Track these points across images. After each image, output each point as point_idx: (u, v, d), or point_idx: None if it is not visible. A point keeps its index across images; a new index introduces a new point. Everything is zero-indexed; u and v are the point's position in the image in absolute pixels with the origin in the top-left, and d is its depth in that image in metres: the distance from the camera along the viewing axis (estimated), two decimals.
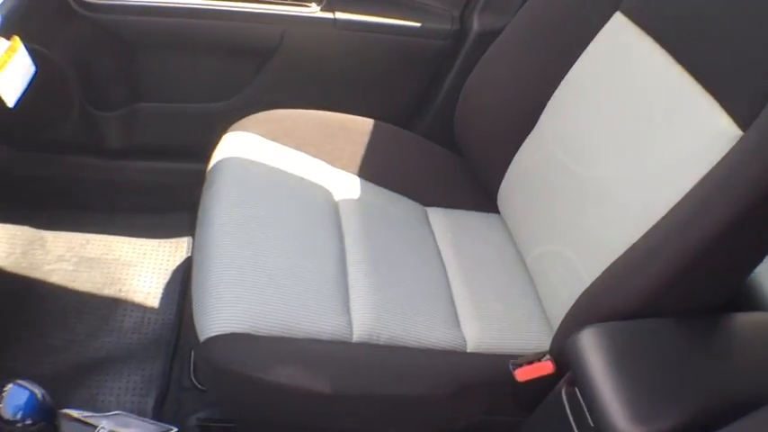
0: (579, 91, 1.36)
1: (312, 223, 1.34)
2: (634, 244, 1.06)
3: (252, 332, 1.10)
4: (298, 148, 1.51)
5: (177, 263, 1.92)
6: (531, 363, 1.09)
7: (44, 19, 1.60)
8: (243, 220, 1.27)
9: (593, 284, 1.10)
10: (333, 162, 1.51)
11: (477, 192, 1.56)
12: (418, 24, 1.73)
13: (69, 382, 1.63)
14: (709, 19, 1.12)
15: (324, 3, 1.75)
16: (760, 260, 1.05)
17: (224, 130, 1.55)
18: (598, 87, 1.32)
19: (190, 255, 1.87)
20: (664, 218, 1.03)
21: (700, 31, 1.12)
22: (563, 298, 1.18)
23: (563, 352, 1.00)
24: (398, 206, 1.52)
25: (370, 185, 1.50)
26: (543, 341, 1.22)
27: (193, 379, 1.60)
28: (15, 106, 1.29)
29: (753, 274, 1.21)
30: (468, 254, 1.41)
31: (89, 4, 1.62)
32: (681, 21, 1.16)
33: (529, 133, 1.41)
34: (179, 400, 1.59)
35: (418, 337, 1.20)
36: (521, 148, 1.43)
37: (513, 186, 1.46)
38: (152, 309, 1.80)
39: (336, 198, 1.45)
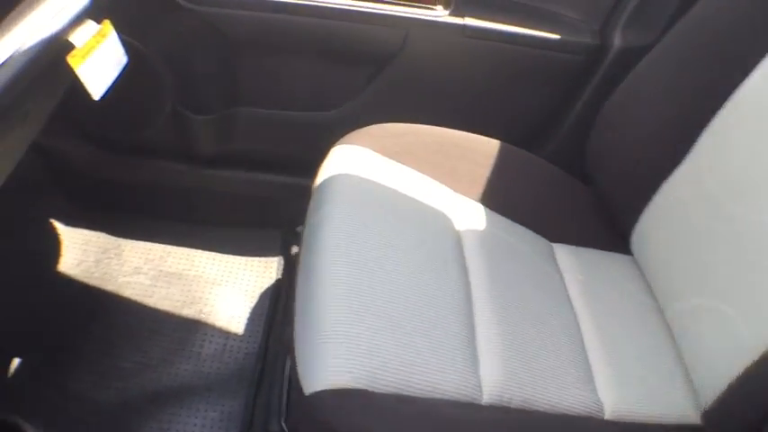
0: (750, 114, 1.10)
1: (434, 258, 1.18)
2: None
3: (367, 388, 0.95)
4: (415, 167, 1.36)
5: (265, 285, 1.77)
6: None
7: (139, 7, 1.47)
8: (357, 251, 1.12)
9: None
10: (453, 186, 1.36)
11: (607, 228, 1.40)
12: (555, 37, 1.57)
13: (137, 413, 1.47)
14: None
15: (452, 6, 1.56)
16: None
17: (329, 143, 1.39)
18: None
19: (280, 277, 1.78)
20: None
21: None
22: (718, 363, 1.03)
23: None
24: (524, 241, 1.35)
25: (494, 215, 1.35)
26: (687, 409, 1.08)
27: (284, 425, 1.39)
28: (102, 98, 1.12)
29: None
30: (599, 300, 1.25)
31: None
32: None
33: (678, 165, 1.21)
34: None
35: (551, 400, 1.04)
36: (666, 182, 1.23)
37: (653, 225, 1.27)
38: (235, 335, 1.64)
39: (458, 228, 1.29)
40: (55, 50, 1.05)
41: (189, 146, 1.74)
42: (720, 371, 1.01)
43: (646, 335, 1.20)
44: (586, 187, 1.47)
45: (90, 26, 1.13)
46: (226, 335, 1.62)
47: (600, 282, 1.30)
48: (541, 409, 1.03)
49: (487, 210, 1.35)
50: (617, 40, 1.53)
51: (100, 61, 1.14)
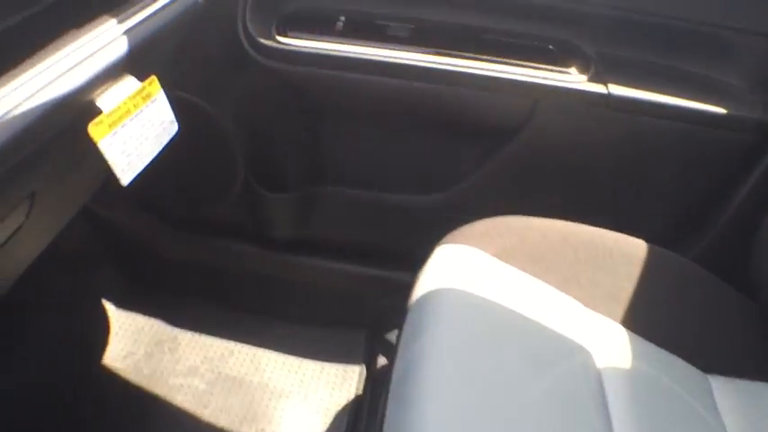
0: None
1: (568, 403, 0.97)
2: None
3: None
4: (541, 276, 1.13)
5: (343, 400, 1.49)
6: None
7: (207, 60, 1.26)
8: (469, 391, 0.92)
9: None
10: (586, 300, 1.13)
11: None
12: (717, 110, 1.28)
13: None
14: None
15: (592, 70, 1.27)
16: None
17: (430, 233, 1.16)
18: None
19: (360, 392, 1.52)
20: None
21: None
22: None
23: None
24: (674, 374, 1.10)
25: (637, 340, 1.11)
26: None
27: None
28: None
29: None
30: None
31: (267, 47, 1.22)
32: None
33: None
34: None
35: None
36: None
37: None
38: None
39: (599, 363, 1.07)
40: (71, 115, 0.79)
41: (262, 227, 1.54)
42: None
43: None
44: (751, 302, 1.22)
45: (128, 83, 0.87)
46: None
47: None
48: None
49: (630, 333, 1.12)
50: None
51: (137, 132, 0.87)
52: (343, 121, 1.37)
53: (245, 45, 1.22)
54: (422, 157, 1.40)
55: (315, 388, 1.50)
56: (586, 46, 1.28)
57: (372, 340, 1.53)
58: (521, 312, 1.06)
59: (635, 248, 1.20)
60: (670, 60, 1.30)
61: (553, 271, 1.13)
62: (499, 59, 1.21)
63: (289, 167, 1.45)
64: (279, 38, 1.22)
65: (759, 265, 1.17)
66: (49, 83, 0.76)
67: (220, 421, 1.42)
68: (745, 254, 1.19)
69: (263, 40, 1.21)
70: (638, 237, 1.21)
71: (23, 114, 0.72)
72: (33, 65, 0.75)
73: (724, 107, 1.28)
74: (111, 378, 1.49)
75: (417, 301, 1.08)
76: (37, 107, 0.74)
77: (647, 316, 1.13)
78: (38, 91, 0.74)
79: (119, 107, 0.85)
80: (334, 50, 1.21)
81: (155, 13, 0.92)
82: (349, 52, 1.20)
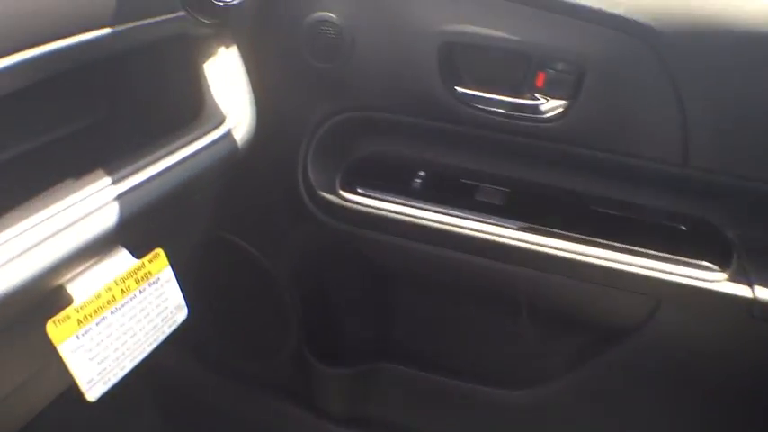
0: None
1: None
2: None
3: None
4: None
5: None
6: None
7: (266, 211, 1.11)
8: None
9: None
10: None
11: None
12: None
13: None
14: None
15: (734, 264, 0.96)
16: None
17: None
18: None
19: None
20: None
21: None
22: None
23: None
24: None
25: None
26: None
27: None
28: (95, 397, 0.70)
29: None
30: None
31: (328, 203, 1.02)
32: None
33: None
34: None
35: None
36: None
37: None
38: None
39: None
40: (26, 306, 0.61)
41: (315, 395, 1.33)
42: None
43: None
44: None
45: (118, 260, 0.69)
46: None
47: None
48: None
49: None
50: None
51: (120, 327, 0.68)
52: (414, 294, 1.16)
53: (305, 197, 1.03)
54: (501, 345, 1.17)
55: None
56: (727, 227, 0.98)
57: None
58: None
59: None
60: None
61: None
62: (614, 243, 0.94)
63: (346, 338, 1.26)
64: (343, 193, 1.01)
65: None
66: (2, 264, 0.58)
67: None
68: None
69: (324, 194, 1.01)
70: None
71: None
72: None
73: None
74: None
75: None
76: None
77: None
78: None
79: (97, 295, 0.66)
80: (409, 215, 0.98)
81: (170, 168, 0.74)
82: (427, 219, 0.98)
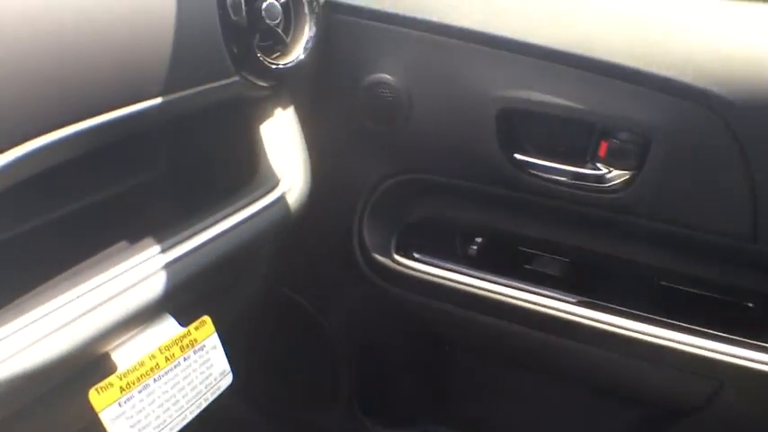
0: None
1: None
2: None
3: None
4: None
5: None
6: None
7: (321, 266, 1.09)
8: None
9: None
10: None
11: None
12: None
13: None
14: None
15: None
16: None
17: None
18: None
19: None
20: None
21: None
22: None
23: None
24: None
25: None
26: None
27: None
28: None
29: None
30: None
31: (383, 267, 1.00)
32: None
33: None
34: None
35: None
36: None
37: None
38: None
39: None
40: (72, 373, 0.61)
41: None
42: None
43: None
44: None
45: (164, 328, 0.68)
46: None
47: None
48: None
49: None
50: None
51: (163, 395, 0.67)
52: (467, 360, 1.12)
53: (359, 259, 1.01)
54: (554, 418, 1.11)
55: None
56: None
57: None
58: None
59: None
60: None
61: None
62: (675, 322, 0.87)
63: (397, 398, 1.22)
64: (397, 257, 0.99)
65: None
66: (49, 333, 0.59)
67: None
68: None
69: (379, 257, 0.99)
70: None
71: (4, 378, 0.55)
72: (31, 307, 0.59)
73: None
74: None
75: None
76: (26, 366, 0.57)
77: None
78: (32, 344, 0.58)
79: (141, 362, 0.66)
80: (464, 284, 0.95)
81: (221, 235, 0.74)
82: (482, 289, 0.94)
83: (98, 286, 0.62)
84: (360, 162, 0.98)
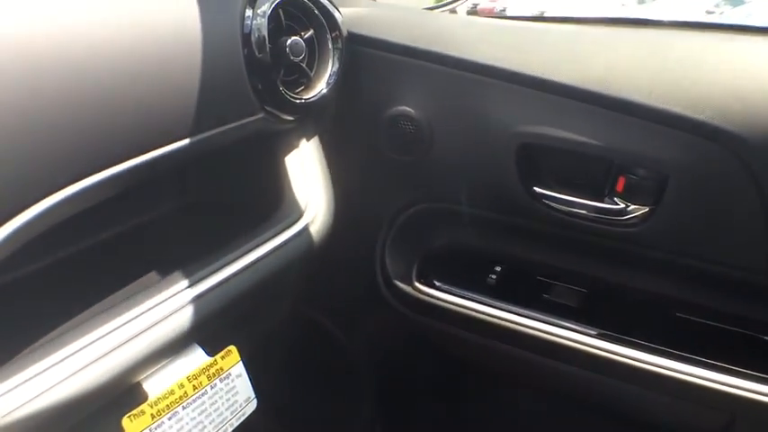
0: None
1: None
2: None
3: None
4: None
5: None
6: None
7: (339, 286, 1.11)
8: None
9: None
10: None
11: None
12: None
13: None
14: None
15: None
16: None
17: None
18: None
19: None
20: None
21: None
22: None
23: None
24: None
25: None
26: None
27: None
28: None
29: None
30: None
31: (404, 294, 1.01)
32: None
33: None
34: None
35: None
36: None
37: None
38: None
39: None
40: (105, 402, 0.64)
41: None
42: None
43: None
44: None
45: (192, 358, 0.71)
46: None
47: None
48: None
49: None
50: None
51: (190, 421, 0.70)
52: (485, 387, 1.13)
53: (381, 286, 1.03)
54: None
55: None
56: None
57: None
58: None
59: None
60: None
61: None
62: (691, 354, 0.88)
63: (417, 421, 1.22)
64: (418, 284, 1.01)
65: None
66: (86, 365, 0.62)
67: None
68: None
69: (400, 285, 1.01)
70: None
71: (43, 409, 0.58)
72: (69, 341, 0.62)
73: None
74: None
75: None
76: (65, 396, 0.60)
77: None
78: (71, 375, 0.61)
79: (171, 391, 0.69)
80: (483, 312, 0.96)
81: (247, 267, 0.76)
82: (500, 318, 0.95)
83: (131, 320, 0.65)
84: (382, 191, 1.00)
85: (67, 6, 0.62)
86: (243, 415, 0.78)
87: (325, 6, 0.87)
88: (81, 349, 0.62)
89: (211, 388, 0.73)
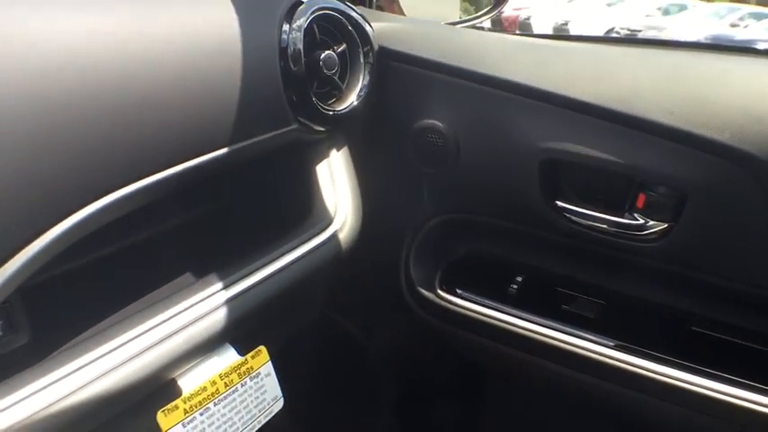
0: None
1: None
2: None
3: None
4: None
5: None
6: None
7: (368, 294, 1.14)
8: None
9: None
10: None
11: None
12: None
13: None
14: None
15: None
16: None
17: None
18: None
19: None
20: None
21: None
22: None
23: None
24: None
25: None
26: None
27: None
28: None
29: None
30: None
31: (427, 300, 1.04)
32: None
33: None
34: None
35: None
36: None
37: None
38: None
39: None
40: (142, 397, 0.67)
41: None
42: None
43: None
44: None
45: (224, 357, 0.74)
46: None
47: None
48: None
49: None
50: None
51: (221, 417, 0.73)
52: (503, 393, 1.15)
53: (405, 292, 1.05)
54: None
55: None
56: None
57: None
58: None
59: None
60: None
61: None
62: (705, 368, 0.89)
63: (435, 424, 1.24)
64: (441, 292, 1.03)
65: None
66: (126, 361, 0.65)
67: None
68: None
69: (423, 291, 1.04)
70: None
71: (83, 401, 0.62)
72: (110, 337, 0.65)
73: None
74: None
75: None
76: (106, 389, 0.63)
77: None
78: (111, 369, 0.64)
79: (203, 387, 0.72)
80: (503, 321, 0.98)
81: (278, 272, 0.80)
82: (519, 327, 0.97)
83: (168, 319, 0.68)
84: (408, 201, 1.03)
85: (117, 20, 0.65)
86: (270, 413, 0.81)
87: (357, 21, 0.90)
88: (121, 346, 0.65)
89: (242, 386, 0.76)
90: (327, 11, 0.87)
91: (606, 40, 1.03)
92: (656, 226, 0.85)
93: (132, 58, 0.64)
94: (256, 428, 0.80)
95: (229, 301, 0.73)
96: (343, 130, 0.95)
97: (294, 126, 0.83)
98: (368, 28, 0.92)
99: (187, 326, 0.69)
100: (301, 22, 0.82)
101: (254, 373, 0.78)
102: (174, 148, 0.68)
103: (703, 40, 10.10)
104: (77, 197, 0.60)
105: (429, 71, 0.96)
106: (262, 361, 0.79)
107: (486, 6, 1.51)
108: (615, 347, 0.92)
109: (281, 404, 0.82)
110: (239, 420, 0.77)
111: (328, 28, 0.88)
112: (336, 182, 0.93)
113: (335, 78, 0.88)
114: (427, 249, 1.04)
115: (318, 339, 1.23)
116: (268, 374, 0.80)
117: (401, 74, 0.97)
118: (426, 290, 1.04)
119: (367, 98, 0.92)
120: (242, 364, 0.76)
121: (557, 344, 0.94)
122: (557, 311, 0.98)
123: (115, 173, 0.63)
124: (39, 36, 0.58)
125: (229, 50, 0.75)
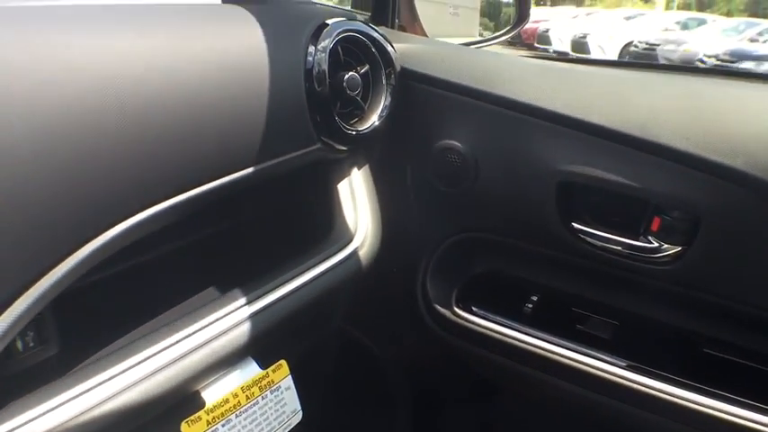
0: None
1: None
2: None
3: None
4: None
5: None
6: None
7: (385, 308, 1.16)
8: None
9: None
10: None
11: None
12: None
13: None
14: None
15: None
16: None
17: None
18: None
19: None
20: None
21: None
22: None
23: None
24: None
25: None
26: None
27: None
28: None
29: None
30: None
31: (443, 318, 1.06)
32: None
33: None
34: None
35: None
36: None
37: None
38: None
39: None
40: (166, 408, 0.70)
41: None
42: None
43: None
44: None
45: (246, 370, 0.77)
46: None
47: None
48: None
49: None
50: None
51: (242, 429, 0.75)
52: (516, 410, 1.16)
53: (422, 309, 1.07)
54: None
55: None
56: None
57: None
58: None
59: None
60: None
61: None
62: (716, 390, 0.90)
63: None
64: (457, 309, 1.05)
65: None
66: (152, 373, 0.67)
67: None
68: None
69: (440, 308, 1.05)
70: None
71: (111, 412, 0.64)
72: (137, 350, 0.68)
73: None
74: None
75: None
76: (133, 399, 0.66)
77: None
78: (138, 381, 0.66)
79: (225, 399, 0.74)
80: (518, 339, 0.99)
81: (299, 288, 0.82)
82: (534, 346, 0.98)
83: (193, 333, 0.71)
84: (427, 220, 1.05)
85: (152, 44, 0.68)
86: (289, 426, 0.83)
87: (380, 43, 0.93)
88: (147, 358, 0.67)
89: (262, 399, 0.78)
90: (352, 33, 0.89)
91: (623, 64, 1.04)
92: (669, 249, 0.87)
93: (166, 80, 0.67)
94: None
95: (252, 317, 0.75)
96: (364, 150, 0.97)
97: (317, 146, 0.85)
98: (390, 49, 0.94)
99: (211, 340, 0.72)
100: (326, 43, 0.85)
101: (274, 387, 0.80)
102: (205, 168, 0.71)
103: (722, 55, 10.07)
104: (113, 214, 0.62)
105: (449, 92, 0.98)
106: (282, 375, 0.81)
107: (506, 25, 1.54)
108: (628, 368, 0.93)
109: (299, 417, 0.84)
110: (267, 425, 0.79)
111: (352, 49, 0.90)
112: (357, 200, 0.95)
113: (358, 99, 0.90)
114: (444, 267, 1.06)
115: (335, 352, 1.25)
116: (288, 388, 0.82)
117: (422, 95, 0.99)
118: (443, 307, 1.05)
119: (388, 118, 0.94)
120: (263, 377, 0.78)
121: (570, 363, 0.95)
122: (571, 331, 0.99)
123: (149, 191, 0.65)
124: (80, 60, 0.61)
125: (257, 73, 0.77)
